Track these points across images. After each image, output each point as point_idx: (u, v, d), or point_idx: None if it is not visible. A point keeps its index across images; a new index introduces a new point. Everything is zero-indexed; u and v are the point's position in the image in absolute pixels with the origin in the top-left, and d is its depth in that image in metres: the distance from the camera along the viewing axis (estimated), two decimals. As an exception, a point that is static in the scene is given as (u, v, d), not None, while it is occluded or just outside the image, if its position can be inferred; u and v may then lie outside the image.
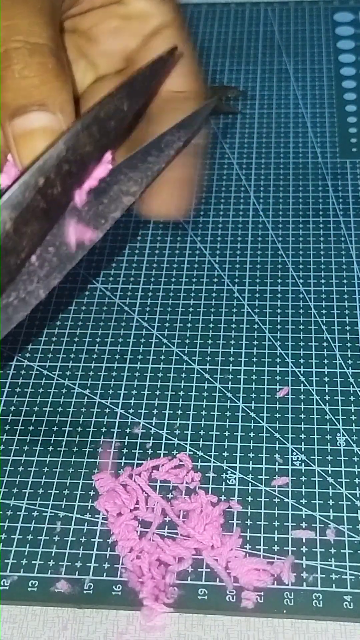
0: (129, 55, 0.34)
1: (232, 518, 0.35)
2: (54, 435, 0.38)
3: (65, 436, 0.38)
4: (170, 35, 0.33)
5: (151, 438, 0.38)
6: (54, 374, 0.41)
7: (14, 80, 0.27)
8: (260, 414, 0.38)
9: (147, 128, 0.33)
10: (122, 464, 0.37)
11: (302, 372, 0.40)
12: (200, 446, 0.37)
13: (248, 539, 0.34)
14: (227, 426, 0.38)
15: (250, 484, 0.36)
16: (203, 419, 0.38)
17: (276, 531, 0.34)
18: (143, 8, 0.33)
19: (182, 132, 0.31)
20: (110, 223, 0.31)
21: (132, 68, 0.34)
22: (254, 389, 0.39)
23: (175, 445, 0.37)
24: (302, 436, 0.37)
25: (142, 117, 0.34)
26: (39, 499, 0.36)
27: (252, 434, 0.38)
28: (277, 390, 0.39)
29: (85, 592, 0.33)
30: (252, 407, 0.39)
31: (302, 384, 0.39)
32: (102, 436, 0.38)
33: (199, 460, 0.37)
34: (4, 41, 0.27)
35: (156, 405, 0.39)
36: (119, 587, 0.33)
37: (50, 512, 0.36)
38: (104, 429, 0.38)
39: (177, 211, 0.34)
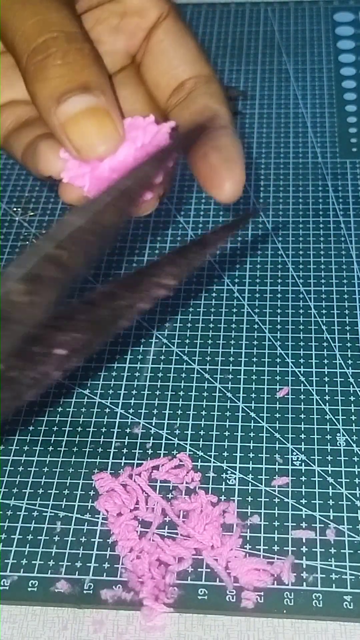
0: (132, 51, 0.34)
1: (232, 518, 0.35)
2: (54, 435, 0.38)
3: (65, 436, 0.38)
4: (170, 26, 0.33)
5: (151, 438, 0.38)
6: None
7: (55, 68, 0.27)
8: (260, 414, 0.38)
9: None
10: (122, 464, 0.37)
11: (302, 372, 0.40)
12: (200, 446, 0.37)
13: (248, 539, 0.34)
14: (227, 426, 0.38)
15: (250, 484, 0.36)
16: (203, 419, 0.38)
17: (276, 531, 0.34)
18: (139, 3, 0.33)
19: (224, 233, 0.32)
20: (137, 314, 0.31)
21: (135, 63, 0.34)
22: (254, 389, 0.39)
23: (175, 445, 0.37)
24: (302, 436, 0.37)
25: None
26: (39, 499, 0.36)
27: (252, 434, 0.38)
28: (277, 390, 0.39)
29: (85, 592, 0.33)
30: (252, 407, 0.39)
31: (302, 384, 0.39)
32: (102, 436, 0.38)
33: (199, 460, 0.37)
34: (40, 33, 0.28)
35: (156, 405, 0.39)
36: (119, 587, 0.33)
37: (50, 512, 0.36)
38: (104, 429, 0.38)
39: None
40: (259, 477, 0.36)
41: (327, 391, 0.39)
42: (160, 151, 0.29)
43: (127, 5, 0.33)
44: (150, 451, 0.37)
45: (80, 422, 0.39)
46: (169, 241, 0.46)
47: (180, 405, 0.39)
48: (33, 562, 0.34)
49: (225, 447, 0.37)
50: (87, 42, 0.29)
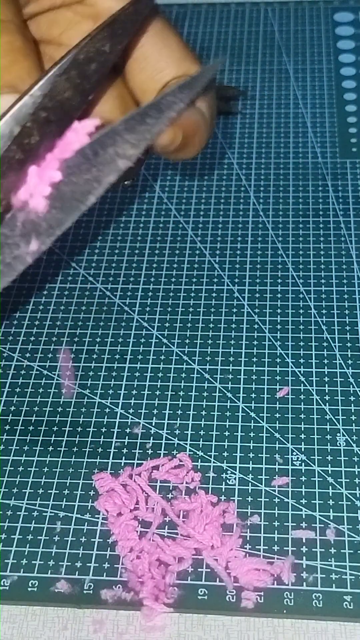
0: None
1: (232, 518, 0.35)
2: (54, 435, 0.38)
3: (65, 436, 0.38)
4: (150, 27, 0.32)
5: (151, 438, 0.38)
6: (54, 374, 0.41)
7: None
8: (260, 414, 0.38)
9: None
10: (122, 464, 0.37)
11: (302, 372, 0.40)
12: (200, 446, 0.37)
13: (248, 539, 0.34)
14: (227, 426, 0.38)
15: (250, 484, 0.36)
16: (203, 419, 0.38)
17: (276, 531, 0.34)
18: (112, 6, 0.31)
19: (184, 93, 0.29)
20: (104, 187, 0.29)
21: (117, 71, 0.33)
22: (254, 389, 0.39)
23: (175, 445, 0.37)
24: (302, 436, 0.37)
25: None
26: (39, 499, 0.36)
27: (252, 434, 0.38)
28: (277, 390, 0.39)
29: (85, 592, 0.33)
30: (252, 407, 0.39)
31: (302, 384, 0.39)
32: (102, 436, 0.38)
33: (199, 460, 0.37)
34: None
35: (156, 405, 0.39)
36: (119, 587, 0.33)
37: (50, 512, 0.36)
38: (104, 429, 0.38)
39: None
40: (259, 477, 0.36)
41: (327, 391, 0.39)
42: (108, 23, 0.28)
43: (99, 9, 0.31)
44: (150, 451, 0.37)
45: (80, 422, 0.39)
46: (169, 241, 0.46)
47: (180, 405, 0.39)
48: (33, 562, 0.34)
49: (225, 447, 0.37)
50: (19, 33, 0.27)
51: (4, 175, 0.27)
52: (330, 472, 0.36)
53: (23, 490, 0.36)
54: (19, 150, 0.27)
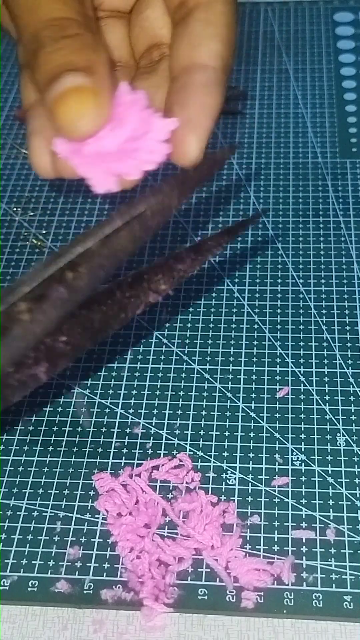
0: None
1: (232, 518, 0.35)
2: (54, 435, 0.38)
3: (65, 436, 0.38)
4: None
5: (151, 438, 0.38)
6: (54, 374, 0.41)
7: (47, 56, 0.27)
8: (260, 414, 0.38)
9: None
10: (122, 464, 0.37)
11: (302, 372, 0.40)
12: (200, 446, 0.37)
13: (248, 539, 0.34)
14: (227, 426, 0.38)
15: (250, 484, 0.36)
16: (203, 419, 0.38)
17: (276, 531, 0.34)
18: None
19: (225, 239, 0.31)
20: (130, 317, 0.31)
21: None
22: (254, 389, 0.39)
23: (175, 445, 0.37)
24: (302, 436, 0.37)
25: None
26: (39, 499, 0.36)
27: (252, 434, 0.38)
28: (277, 390, 0.39)
29: (85, 592, 0.33)
30: (252, 407, 0.39)
31: (302, 384, 0.39)
32: (102, 436, 0.38)
33: (199, 460, 0.37)
34: (31, 25, 0.28)
35: (156, 405, 0.39)
36: (119, 587, 0.33)
37: (50, 512, 0.36)
38: (104, 429, 0.38)
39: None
40: (259, 477, 0.36)
41: (327, 391, 0.39)
42: (180, 179, 0.29)
43: None
44: (150, 451, 0.37)
45: (81, 422, 0.39)
46: (169, 241, 0.46)
47: (180, 405, 0.39)
48: (33, 562, 0.34)
49: (225, 447, 0.37)
50: (81, 27, 0.28)
51: (44, 312, 0.27)
52: (330, 472, 0.36)
53: (23, 490, 0.36)
54: (66, 291, 0.27)
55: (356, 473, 0.36)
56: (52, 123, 0.28)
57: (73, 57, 0.27)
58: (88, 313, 0.30)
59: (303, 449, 0.37)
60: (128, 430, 0.38)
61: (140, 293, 0.31)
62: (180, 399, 0.39)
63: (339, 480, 0.36)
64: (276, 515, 0.35)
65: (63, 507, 0.36)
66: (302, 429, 0.37)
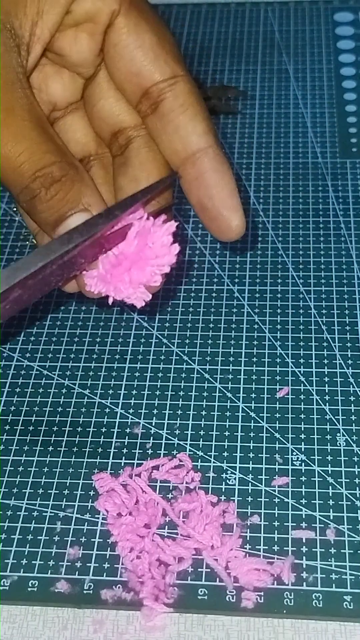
0: (99, 54, 0.33)
1: (232, 518, 0.35)
2: (54, 435, 0.38)
3: (65, 436, 0.38)
4: (124, 24, 0.32)
5: (151, 438, 0.38)
6: (54, 374, 0.41)
7: (44, 204, 0.30)
8: (260, 414, 0.38)
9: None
10: (122, 464, 0.37)
11: (302, 372, 0.40)
12: (200, 446, 0.37)
13: (248, 539, 0.34)
14: (227, 426, 0.38)
15: (250, 484, 0.36)
16: (203, 419, 0.38)
17: (276, 531, 0.34)
18: (88, 9, 0.32)
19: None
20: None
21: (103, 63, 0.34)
22: (254, 389, 0.39)
23: (175, 445, 0.37)
24: (302, 436, 0.37)
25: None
26: (39, 499, 0.36)
27: (252, 434, 0.38)
28: (277, 390, 0.39)
29: (85, 592, 0.33)
30: (252, 407, 0.39)
31: (302, 384, 0.39)
32: (102, 436, 0.38)
33: (199, 460, 0.37)
34: (18, 183, 0.30)
35: (156, 405, 0.39)
36: (119, 587, 0.33)
37: (50, 512, 0.36)
38: (104, 429, 0.38)
39: None
40: (259, 477, 0.36)
41: (327, 391, 0.39)
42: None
43: (77, 16, 0.32)
44: (150, 451, 0.37)
45: (80, 422, 0.39)
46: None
47: (180, 405, 0.39)
48: (33, 562, 0.34)
49: (225, 447, 0.37)
50: (67, 164, 0.30)
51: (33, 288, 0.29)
52: (330, 472, 0.36)
53: (23, 490, 0.36)
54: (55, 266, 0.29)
55: (356, 473, 0.36)
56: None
57: (70, 196, 0.30)
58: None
59: (303, 449, 0.37)
60: (128, 430, 0.38)
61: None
62: (180, 399, 0.39)
63: (339, 480, 0.36)
64: (276, 515, 0.35)
65: (63, 507, 0.36)
66: (302, 429, 0.37)
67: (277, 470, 0.36)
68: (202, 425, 0.38)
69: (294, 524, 0.34)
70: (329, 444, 0.37)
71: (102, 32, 0.32)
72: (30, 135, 0.30)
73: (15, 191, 0.30)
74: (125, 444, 0.38)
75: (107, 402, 0.39)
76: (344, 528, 0.34)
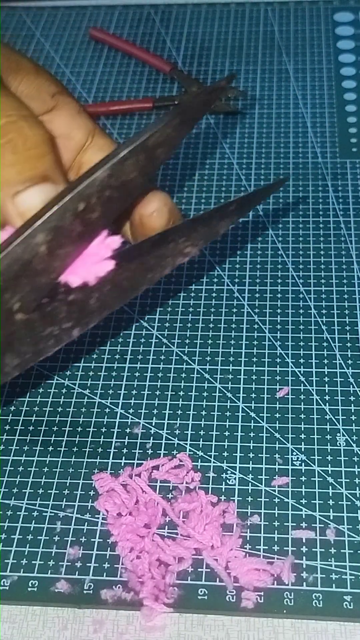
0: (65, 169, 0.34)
1: (232, 518, 0.35)
2: (54, 435, 0.38)
3: (65, 436, 0.38)
4: (96, 150, 0.34)
5: (151, 438, 0.38)
6: (54, 374, 0.41)
7: (18, 155, 0.28)
8: (260, 414, 0.38)
9: None
10: (122, 464, 0.37)
11: (302, 372, 0.40)
12: (200, 446, 0.37)
13: (248, 539, 0.34)
14: (227, 426, 0.38)
15: (250, 484, 0.36)
16: (203, 419, 0.38)
17: (276, 531, 0.34)
18: (64, 127, 0.34)
19: (254, 201, 0.33)
20: (158, 278, 0.32)
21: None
22: (254, 389, 0.39)
23: (175, 445, 0.37)
24: (302, 436, 0.37)
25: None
26: (39, 499, 0.36)
27: (252, 434, 0.38)
28: (277, 390, 0.39)
29: (85, 592, 0.33)
30: (252, 407, 0.39)
31: (302, 384, 0.39)
32: (102, 436, 0.38)
33: (199, 460, 0.37)
34: None
35: (156, 405, 0.39)
36: (119, 587, 0.33)
37: (50, 512, 0.36)
38: (104, 429, 0.38)
39: None
40: (259, 477, 0.36)
41: (327, 391, 0.39)
42: (180, 108, 0.30)
43: (54, 128, 0.33)
44: (150, 451, 0.37)
45: (80, 422, 0.39)
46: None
47: (180, 405, 0.39)
48: (33, 562, 0.34)
49: (225, 447, 0.37)
50: (45, 127, 0.29)
51: (61, 245, 0.28)
52: (330, 472, 0.36)
53: (23, 490, 0.36)
54: (81, 224, 0.28)
55: (356, 473, 0.36)
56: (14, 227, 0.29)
57: (45, 161, 0.29)
58: (116, 272, 0.30)
59: (303, 449, 0.37)
60: (128, 430, 0.38)
61: (166, 254, 0.32)
62: (180, 399, 0.39)
63: (339, 480, 0.36)
64: (276, 515, 0.35)
65: (63, 507, 0.36)
66: (302, 429, 0.37)
67: (277, 470, 0.36)
68: (202, 425, 0.38)
69: (294, 524, 0.34)
70: (329, 444, 0.37)
71: (73, 150, 0.35)
72: None
73: None
74: (125, 444, 0.38)
75: (107, 402, 0.39)
76: (344, 528, 0.34)
